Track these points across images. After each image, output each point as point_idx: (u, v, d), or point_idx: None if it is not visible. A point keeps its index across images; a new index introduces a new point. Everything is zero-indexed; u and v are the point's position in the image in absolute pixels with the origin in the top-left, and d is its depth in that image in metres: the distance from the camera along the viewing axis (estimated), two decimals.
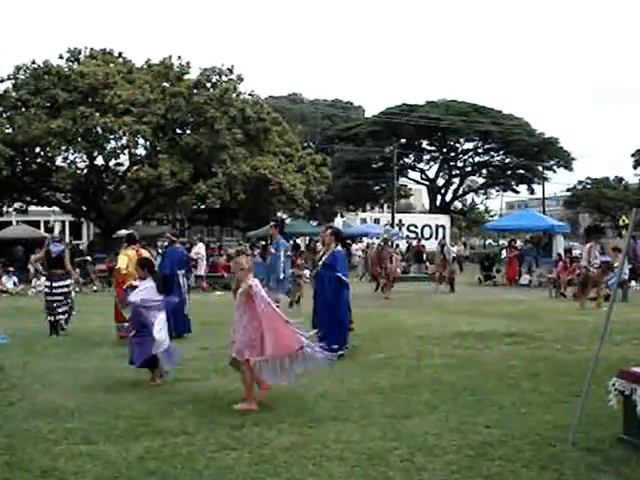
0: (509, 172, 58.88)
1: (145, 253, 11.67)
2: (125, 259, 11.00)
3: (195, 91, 29.25)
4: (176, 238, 13.21)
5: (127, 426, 6.07)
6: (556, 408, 6.65)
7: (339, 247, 9.88)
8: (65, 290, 12.22)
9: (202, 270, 23.32)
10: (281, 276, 11.90)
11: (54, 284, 12.08)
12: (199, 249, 23.68)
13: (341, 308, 9.62)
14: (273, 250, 12.09)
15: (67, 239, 35.84)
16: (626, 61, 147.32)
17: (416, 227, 41.12)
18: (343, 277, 9.60)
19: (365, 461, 5.15)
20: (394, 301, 18.97)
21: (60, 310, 11.98)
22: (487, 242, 59.07)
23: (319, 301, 9.78)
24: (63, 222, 45.45)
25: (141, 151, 30.34)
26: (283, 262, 11.89)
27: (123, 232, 12.37)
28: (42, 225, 45.77)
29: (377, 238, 34.90)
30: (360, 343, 10.79)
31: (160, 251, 18.30)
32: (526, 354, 9.88)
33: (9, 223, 39.19)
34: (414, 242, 35.48)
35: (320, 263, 10.02)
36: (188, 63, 30.32)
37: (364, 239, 36.25)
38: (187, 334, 11.81)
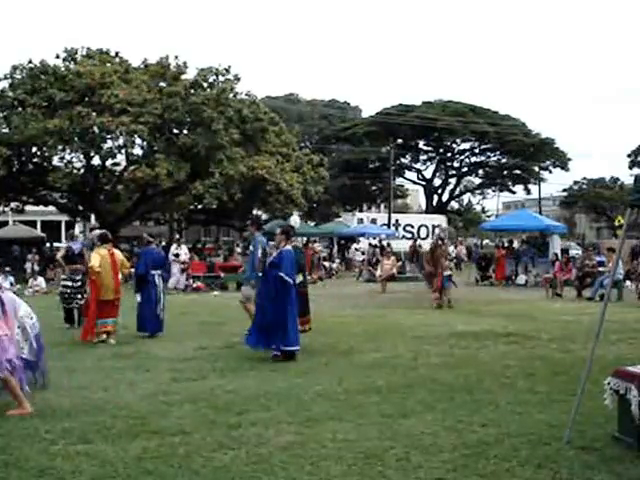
0: (505, 172, 59.03)
1: (117, 252, 11.98)
2: (98, 257, 11.47)
3: (192, 91, 29.22)
4: (152, 239, 13.44)
5: (124, 426, 6.07)
6: (552, 407, 6.67)
7: (288, 246, 9.79)
8: (82, 283, 13.14)
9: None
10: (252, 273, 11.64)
11: (76, 277, 13.15)
12: (176, 250, 23.66)
13: (288, 308, 9.41)
14: (252, 248, 11.98)
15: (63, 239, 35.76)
16: (623, 62, 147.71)
17: (412, 227, 41.16)
18: (285, 277, 9.40)
19: (362, 460, 5.16)
20: (392, 301, 18.91)
21: (78, 297, 13.01)
22: (484, 242, 59.19)
23: (265, 301, 9.61)
24: (59, 222, 45.49)
25: (138, 151, 30.32)
26: (259, 259, 11.57)
27: (96, 232, 12.80)
28: (39, 225, 45.78)
29: (374, 238, 34.97)
30: (357, 343, 10.84)
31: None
32: (522, 354, 9.91)
33: (5, 223, 39.17)
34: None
35: (267, 262, 10.00)
36: (185, 63, 30.35)
37: (361, 239, 36.31)
38: (160, 333, 11.94)
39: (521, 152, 54.34)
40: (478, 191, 64.57)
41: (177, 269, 22.91)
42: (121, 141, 28.92)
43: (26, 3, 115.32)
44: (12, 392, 6.53)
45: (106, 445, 5.53)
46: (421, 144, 58.14)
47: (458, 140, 56.29)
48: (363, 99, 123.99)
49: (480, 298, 19.46)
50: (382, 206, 63.54)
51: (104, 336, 11.18)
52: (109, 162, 30.82)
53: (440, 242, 19.65)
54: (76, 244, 13.62)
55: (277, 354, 9.33)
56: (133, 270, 13.27)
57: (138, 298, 12.10)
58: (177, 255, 22.98)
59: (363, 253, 33.30)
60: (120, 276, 11.82)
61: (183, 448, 5.44)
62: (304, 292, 10.57)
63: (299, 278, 10.16)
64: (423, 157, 59.50)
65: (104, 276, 11.33)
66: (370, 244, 32.19)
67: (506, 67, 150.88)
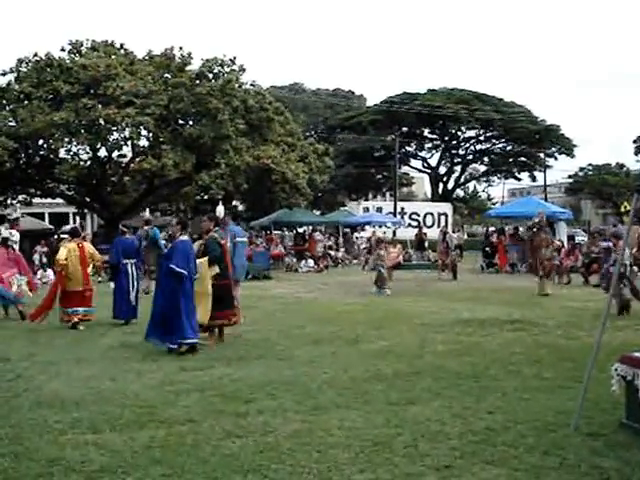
0: (511, 159, 58.83)
1: (87, 246, 12.42)
2: (65, 251, 11.99)
3: (197, 82, 29.14)
4: (127, 229, 13.76)
5: (132, 415, 6.11)
6: (558, 394, 6.69)
7: (184, 237, 9.74)
8: None
9: None
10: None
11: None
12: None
13: (181, 300, 9.23)
14: (229, 243, 11.97)
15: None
16: (627, 46, 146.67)
17: (418, 215, 41.14)
18: (176, 268, 9.22)
19: (369, 448, 5.19)
20: (398, 289, 18.84)
21: None
22: (490, 229, 59.08)
23: (159, 293, 9.59)
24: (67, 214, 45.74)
25: (144, 142, 30.27)
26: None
27: (67, 227, 13.59)
28: (47, 217, 45.96)
29: (380, 227, 34.93)
30: (363, 331, 10.86)
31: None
32: (528, 341, 9.92)
33: None
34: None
35: (164, 255, 10.02)
36: (190, 54, 30.24)
37: (367, 227, 36.29)
38: (134, 320, 12.20)
39: (526, 139, 54.10)
40: (483, 178, 64.38)
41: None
42: (127, 133, 28.85)
43: None
44: None
45: (115, 434, 5.57)
46: (426, 132, 57.94)
47: (463, 128, 56.01)
48: (368, 88, 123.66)
49: (485, 285, 19.44)
50: (387, 194, 63.49)
51: (72, 322, 11.68)
52: (115, 154, 30.79)
53: (538, 228, 17.35)
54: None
55: (173, 347, 9.17)
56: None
57: (112, 286, 12.59)
58: None
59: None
60: (90, 268, 12.40)
61: (191, 437, 5.48)
62: (224, 284, 10.06)
63: (215, 270, 9.82)
64: (428, 145, 59.32)
65: (71, 268, 11.85)
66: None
67: (511, 54, 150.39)
